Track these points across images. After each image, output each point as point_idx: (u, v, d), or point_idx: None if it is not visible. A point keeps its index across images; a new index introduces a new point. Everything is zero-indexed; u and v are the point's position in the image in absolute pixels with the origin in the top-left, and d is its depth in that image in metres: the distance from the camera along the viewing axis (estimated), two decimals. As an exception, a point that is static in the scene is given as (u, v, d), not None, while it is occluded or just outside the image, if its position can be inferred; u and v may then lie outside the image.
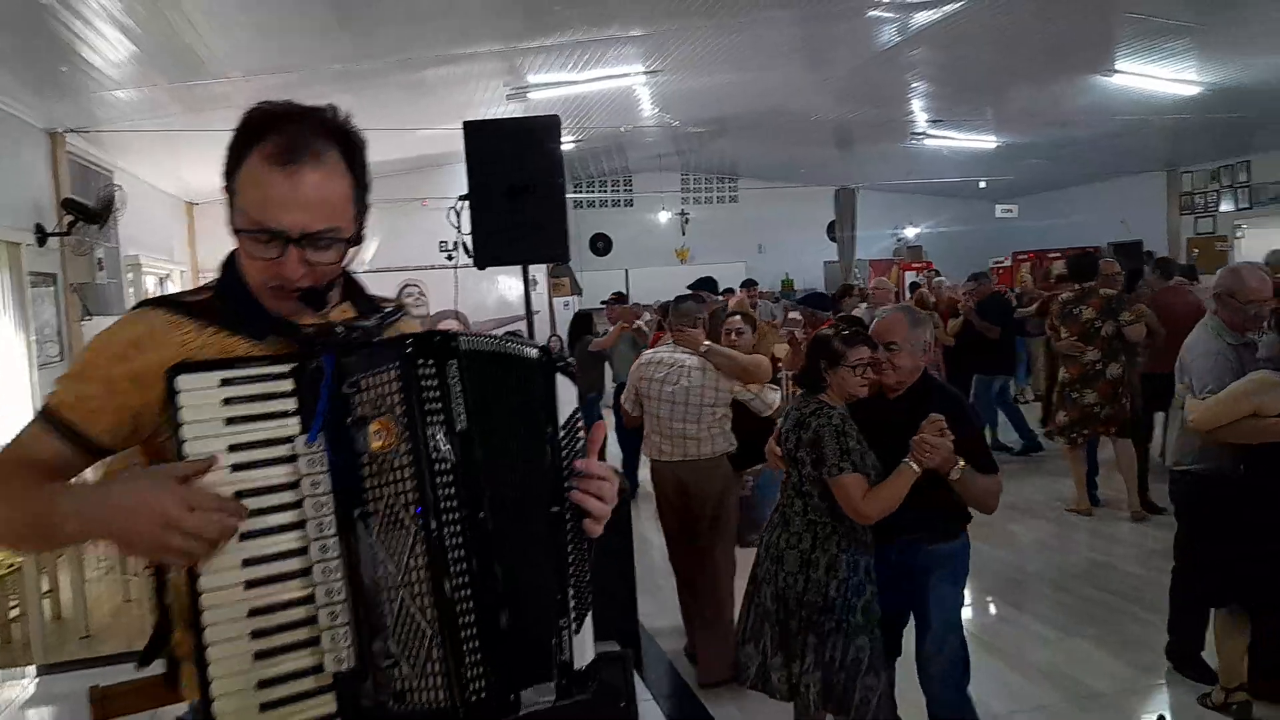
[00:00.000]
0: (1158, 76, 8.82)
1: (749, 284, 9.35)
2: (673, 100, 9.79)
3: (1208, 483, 3.33)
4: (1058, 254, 16.41)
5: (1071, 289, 6.41)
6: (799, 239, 17.12)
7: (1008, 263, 16.96)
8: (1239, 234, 14.24)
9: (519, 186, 4.01)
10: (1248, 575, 3.24)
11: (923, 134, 11.99)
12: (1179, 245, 14.80)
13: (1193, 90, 9.30)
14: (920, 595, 2.84)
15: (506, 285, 11.43)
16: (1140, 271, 7.96)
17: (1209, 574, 3.41)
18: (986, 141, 12.31)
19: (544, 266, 10.89)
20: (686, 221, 17.03)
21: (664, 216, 16.88)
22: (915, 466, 2.61)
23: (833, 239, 16.44)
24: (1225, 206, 14.12)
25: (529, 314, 4.82)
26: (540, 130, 4.12)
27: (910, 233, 18.01)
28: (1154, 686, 3.78)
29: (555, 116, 4.20)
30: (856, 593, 2.71)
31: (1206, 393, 3.23)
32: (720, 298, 8.16)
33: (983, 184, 15.68)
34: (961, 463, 2.63)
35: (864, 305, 7.96)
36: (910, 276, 16.98)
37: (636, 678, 3.50)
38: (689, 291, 5.30)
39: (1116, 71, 8.67)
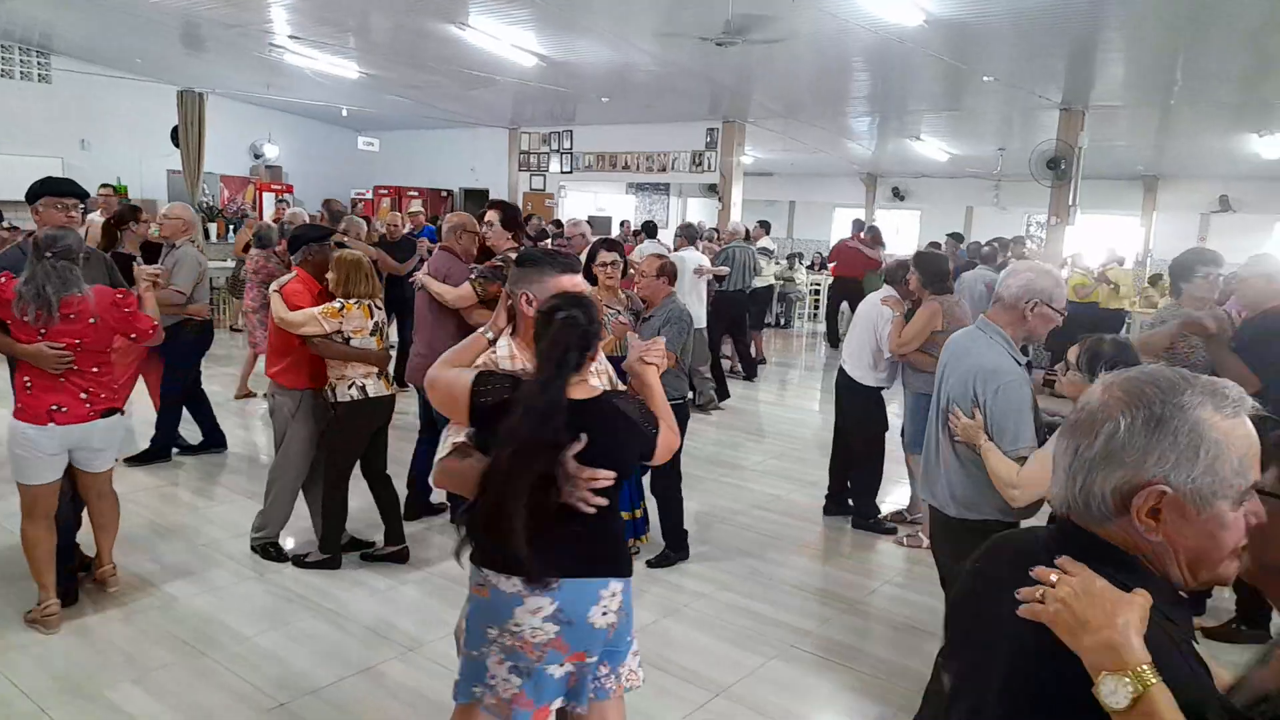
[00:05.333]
0: (504, 40, 9.53)
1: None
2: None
3: None
4: (416, 192, 17.10)
5: (511, 245, 5.29)
6: (135, 140, 14.75)
7: (369, 195, 17.10)
8: (563, 193, 16.52)
9: None
10: None
11: (282, 48, 11.18)
12: (518, 197, 16.57)
13: (532, 60, 10.29)
14: None
15: None
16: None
17: None
18: (349, 70, 12.03)
19: None
20: (-26, 97, 13.35)
21: (-62, 85, 12.98)
22: None
23: (178, 145, 14.49)
24: (554, 167, 16.19)
25: None
26: None
27: (271, 151, 16.90)
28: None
29: None
30: None
31: None
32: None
33: (345, 112, 15.40)
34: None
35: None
36: (270, 198, 16.02)
37: None
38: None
39: (469, 26, 9.10)
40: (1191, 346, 4.05)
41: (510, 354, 2.33)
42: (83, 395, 3.62)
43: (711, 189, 15.40)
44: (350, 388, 4.20)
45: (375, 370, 4.27)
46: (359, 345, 4.18)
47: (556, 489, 2.04)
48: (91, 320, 3.59)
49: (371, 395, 4.24)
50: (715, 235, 11.76)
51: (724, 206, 13.86)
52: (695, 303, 7.87)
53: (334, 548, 4.41)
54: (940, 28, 7.56)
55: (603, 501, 2.09)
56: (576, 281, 2.32)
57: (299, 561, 4.42)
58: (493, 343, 2.38)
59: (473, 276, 4.61)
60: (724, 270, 8.95)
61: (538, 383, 2.07)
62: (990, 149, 14.72)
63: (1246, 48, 7.98)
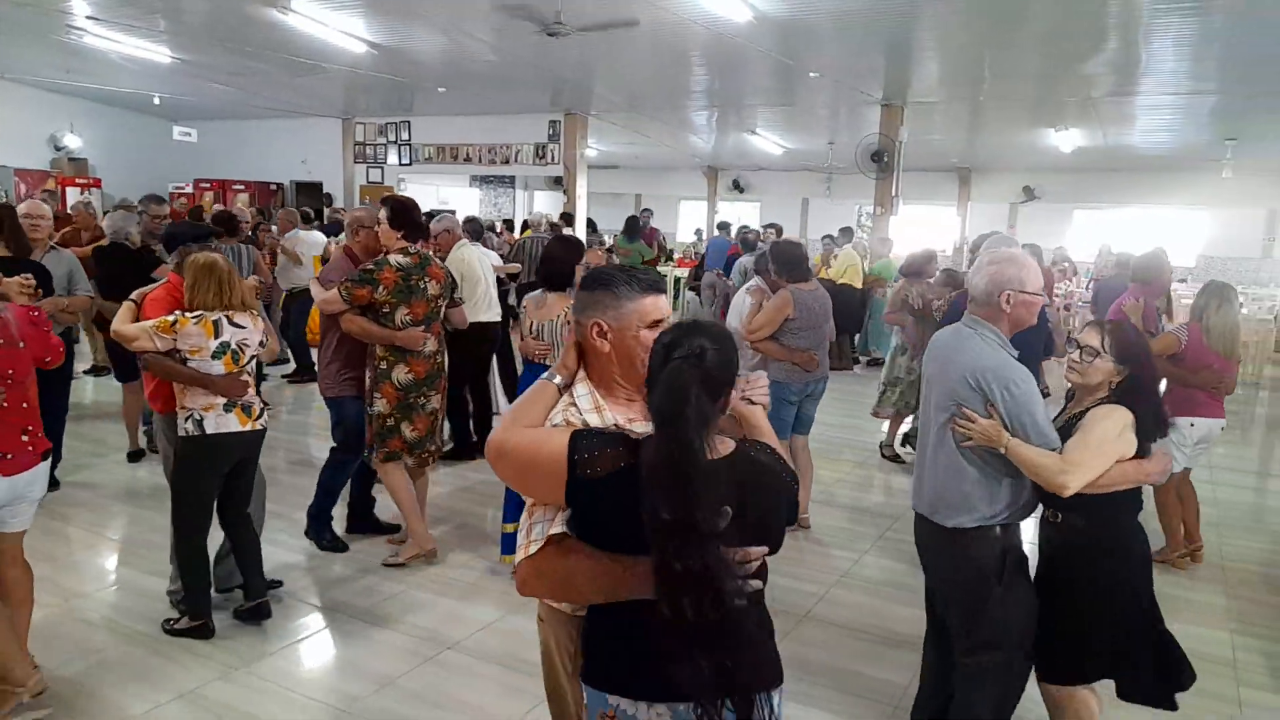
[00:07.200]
0: (331, 25, 9.11)
1: None
2: None
3: None
4: (242, 185, 16.17)
5: (401, 246, 4.33)
6: (-91, 130, 13.25)
7: (190, 189, 16.03)
8: (402, 186, 16.03)
9: None
10: None
11: (83, 30, 10.27)
12: (354, 191, 15.96)
13: (362, 47, 9.90)
14: None
15: None
16: (322, 211, 8.20)
17: None
18: (160, 54, 11.19)
19: None
20: None
21: None
22: None
23: (-36, 137, 13.14)
24: (391, 159, 15.68)
25: None
26: None
27: (73, 142, 15.54)
28: None
29: None
30: None
31: None
32: None
33: (157, 100, 14.35)
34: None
35: None
36: (74, 194, 14.75)
37: None
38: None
39: (291, 10, 8.65)
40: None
41: (594, 405, 1.79)
42: (23, 436, 3.00)
43: (557, 181, 15.35)
44: (187, 421, 3.56)
45: (221, 401, 3.58)
46: (196, 367, 3.53)
47: (710, 588, 1.47)
48: (20, 345, 2.98)
49: (210, 432, 3.56)
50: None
51: (569, 199, 13.84)
52: (486, 307, 6.27)
53: (201, 611, 3.70)
54: (768, 24, 7.80)
55: (757, 584, 1.61)
56: (661, 303, 1.82)
57: (166, 627, 3.73)
58: (565, 390, 1.82)
59: (343, 280, 4.28)
60: (515, 268, 8.79)
61: (654, 447, 1.53)
62: (821, 143, 15.38)
63: (1041, 50, 8.67)
